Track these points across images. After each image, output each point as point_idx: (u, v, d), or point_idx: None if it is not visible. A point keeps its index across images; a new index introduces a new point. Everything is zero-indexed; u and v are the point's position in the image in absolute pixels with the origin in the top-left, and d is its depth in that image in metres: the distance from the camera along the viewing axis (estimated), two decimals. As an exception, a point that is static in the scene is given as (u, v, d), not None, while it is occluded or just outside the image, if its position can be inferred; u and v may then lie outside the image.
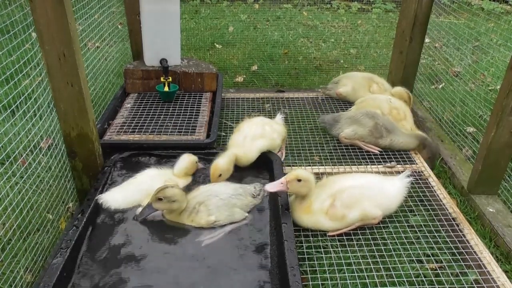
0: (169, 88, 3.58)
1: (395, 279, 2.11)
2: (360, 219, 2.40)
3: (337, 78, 4.08)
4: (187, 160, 2.66)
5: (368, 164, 3.03)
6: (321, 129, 3.51)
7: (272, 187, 2.35)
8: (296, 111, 3.82)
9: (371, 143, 3.17)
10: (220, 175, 2.60)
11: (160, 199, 2.26)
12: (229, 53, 5.39)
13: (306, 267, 2.19)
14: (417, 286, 2.09)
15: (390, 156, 3.12)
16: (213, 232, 2.27)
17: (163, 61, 3.64)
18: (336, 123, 3.32)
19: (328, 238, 2.38)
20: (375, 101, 3.50)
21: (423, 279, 2.13)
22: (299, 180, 2.33)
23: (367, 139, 3.16)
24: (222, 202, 2.35)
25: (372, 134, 3.14)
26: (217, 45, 5.63)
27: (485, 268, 2.17)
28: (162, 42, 3.66)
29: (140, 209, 2.35)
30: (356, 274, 2.16)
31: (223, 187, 2.48)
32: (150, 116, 3.37)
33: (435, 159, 3.13)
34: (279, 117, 3.26)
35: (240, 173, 2.75)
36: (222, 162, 2.62)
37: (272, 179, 2.64)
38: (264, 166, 2.81)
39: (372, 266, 2.20)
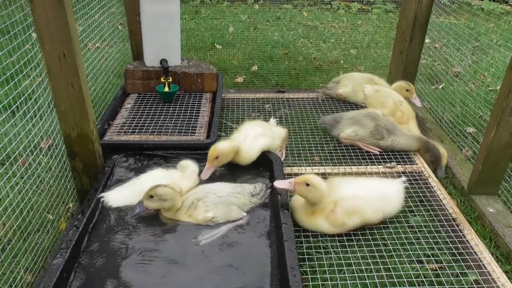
0: (169, 89, 3.58)
1: (395, 280, 2.11)
2: (361, 224, 2.40)
3: (337, 78, 4.07)
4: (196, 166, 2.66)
5: (368, 165, 3.02)
6: (321, 129, 3.51)
7: (280, 184, 2.36)
8: (296, 111, 3.82)
9: (372, 144, 3.17)
10: (217, 157, 2.59)
11: (151, 197, 2.27)
12: (229, 53, 5.40)
13: (306, 268, 2.19)
14: (417, 287, 2.09)
15: (390, 156, 3.11)
16: (211, 232, 2.28)
17: (163, 61, 3.64)
18: (337, 123, 3.32)
19: (328, 238, 2.37)
20: (387, 98, 3.51)
21: (423, 279, 2.13)
22: (308, 185, 2.31)
23: (368, 140, 3.16)
24: (219, 199, 2.37)
25: (374, 135, 3.13)
26: (217, 46, 5.63)
27: (485, 268, 2.17)
28: (162, 43, 3.67)
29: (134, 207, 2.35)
30: (356, 275, 2.16)
31: (221, 185, 2.50)
32: (150, 116, 3.37)
33: (438, 163, 3.08)
34: (273, 121, 3.27)
35: (240, 173, 2.76)
36: (222, 145, 2.62)
37: (272, 179, 2.64)
38: (264, 166, 2.81)
39: (372, 267, 2.20)
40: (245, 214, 2.40)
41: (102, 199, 2.42)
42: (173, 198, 2.31)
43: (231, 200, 2.39)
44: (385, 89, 3.68)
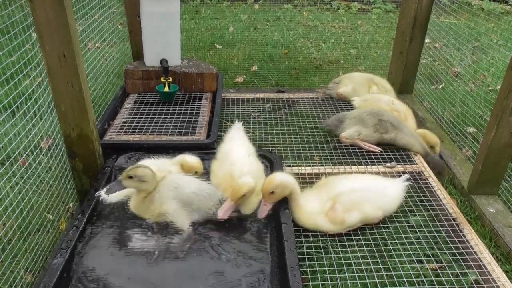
0: (169, 89, 3.58)
1: (395, 279, 2.11)
2: (361, 222, 2.40)
3: (338, 78, 4.08)
4: (190, 160, 2.57)
5: (368, 165, 3.02)
6: (321, 129, 3.51)
7: (261, 214, 2.32)
8: (296, 111, 3.82)
9: (376, 138, 3.16)
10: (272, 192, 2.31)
11: (130, 177, 2.21)
12: (229, 53, 5.39)
13: (306, 267, 2.19)
14: (417, 287, 2.09)
15: (390, 156, 3.11)
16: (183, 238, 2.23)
17: (163, 61, 3.65)
18: (341, 123, 3.31)
19: (328, 238, 2.37)
20: (378, 102, 3.50)
21: (423, 279, 2.13)
22: (272, 192, 2.30)
23: (372, 136, 3.16)
24: (178, 195, 2.27)
25: (377, 129, 3.14)
26: (217, 46, 5.63)
27: (485, 268, 2.17)
28: (162, 43, 3.67)
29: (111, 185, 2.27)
30: (356, 275, 2.16)
31: (191, 181, 2.38)
32: (150, 116, 3.37)
33: (444, 173, 3.09)
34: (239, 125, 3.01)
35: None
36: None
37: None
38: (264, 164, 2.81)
39: (372, 267, 2.20)
40: (188, 226, 2.26)
41: (100, 197, 2.39)
42: (152, 180, 2.25)
43: (194, 201, 2.28)
44: (373, 95, 3.68)
